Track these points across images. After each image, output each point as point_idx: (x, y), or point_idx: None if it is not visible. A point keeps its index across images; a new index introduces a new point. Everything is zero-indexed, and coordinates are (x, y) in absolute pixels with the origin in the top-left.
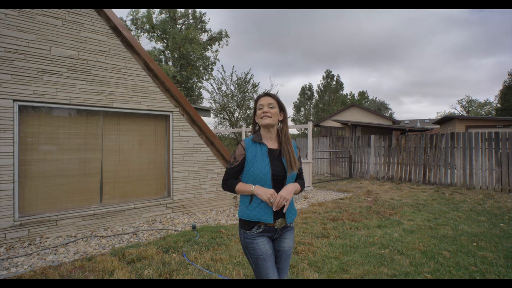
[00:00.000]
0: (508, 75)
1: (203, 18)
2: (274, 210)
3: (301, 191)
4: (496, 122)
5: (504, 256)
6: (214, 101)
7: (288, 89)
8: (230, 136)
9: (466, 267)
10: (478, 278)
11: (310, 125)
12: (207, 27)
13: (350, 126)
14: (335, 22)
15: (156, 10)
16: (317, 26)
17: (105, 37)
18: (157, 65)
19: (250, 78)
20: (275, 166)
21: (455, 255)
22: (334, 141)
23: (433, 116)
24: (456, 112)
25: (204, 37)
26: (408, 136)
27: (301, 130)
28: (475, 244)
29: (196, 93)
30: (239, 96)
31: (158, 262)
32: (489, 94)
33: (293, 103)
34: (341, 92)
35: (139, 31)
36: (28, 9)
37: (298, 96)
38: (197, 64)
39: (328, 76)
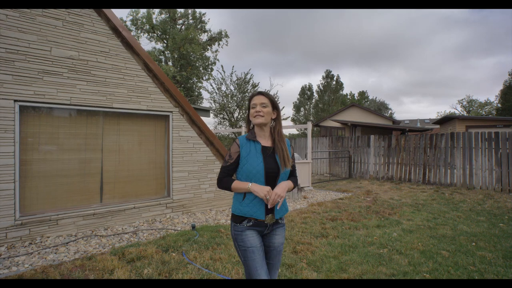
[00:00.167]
0: (509, 75)
1: (203, 18)
2: (269, 207)
3: (294, 188)
4: (496, 122)
5: (503, 256)
6: (214, 101)
7: (288, 89)
8: (230, 136)
9: (464, 266)
10: (476, 277)
11: (309, 125)
12: (207, 27)
13: (350, 126)
14: (335, 22)
15: (156, 10)
16: (317, 26)
17: (105, 38)
18: (157, 65)
19: (250, 78)
20: (268, 163)
21: (453, 255)
22: (333, 141)
23: (434, 116)
24: (456, 112)
25: (204, 37)
26: (407, 136)
27: (300, 130)
28: (474, 244)
29: (196, 93)
30: (239, 96)
31: (158, 261)
32: (490, 94)
33: (293, 103)
34: (341, 92)
35: (139, 32)
36: (29, 10)
37: (298, 96)
38: (197, 64)
39: (328, 76)
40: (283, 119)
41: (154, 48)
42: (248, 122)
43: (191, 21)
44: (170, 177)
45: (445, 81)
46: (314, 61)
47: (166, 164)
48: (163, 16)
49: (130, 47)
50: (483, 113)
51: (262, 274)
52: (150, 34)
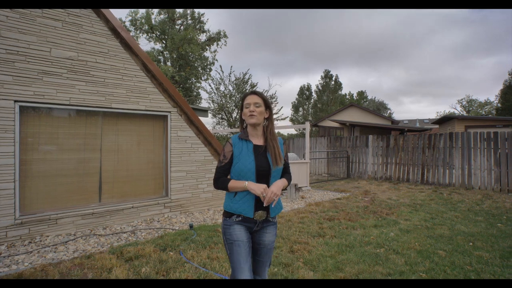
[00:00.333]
0: (509, 74)
1: (202, 19)
2: (265, 205)
3: (288, 185)
4: (496, 122)
5: (500, 256)
6: (212, 101)
7: (287, 89)
8: (228, 136)
9: (461, 266)
10: (473, 277)
11: (307, 125)
12: (206, 27)
13: (348, 126)
14: (334, 22)
15: (155, 11)
16: (316, 26)
17: (104, 39)
18: (156, 65)
19: (249, 78)
20: (259, 162)
21: (450, 255)
22: (332, 141)
23: (433, 116)
24: (456, 112)
25: (202, 37)
26: (406, 136)
27: (299, 130)
28: (471, 244)
29: (195, 93)
30: (237, 96)
31: (156, 260)
32: (490, 94)
33: (292, 103)
34: (340, 92)
35: (138, 32)
36: (29, 12)
37: (297, 96)
38: (196, 65)
39: (327, 76)
40: (282, 119)
41: (153, 48)
42: (241, 121)
43: (190, 22)
44: (168, 177)
45: (445, 81)
46: (313, 61)
47: (164, 164)
48: (162, 16)
49: (129, 47)
50: (483, 113)
51: (245, 269)
52: (149, 35)
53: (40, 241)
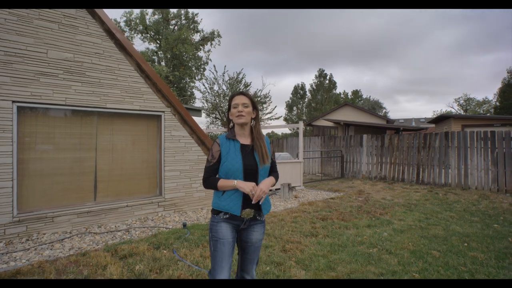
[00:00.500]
0: (507, 72)
1: (196, 19)
2: (253, 203)
3: (275, 183)
4: (493, 121)
5: (495, 257)
6: (206, 100)
7: (281, 88)
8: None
9: (455, 267)
10: (467, 278)
11: (301, 124)
12: (200, 27)
13: (342, 125)
14: (328, 20)
15: (149, 12)
16: (310, 24)
17: (99, 40)
18: (150, 66)
19: (242, 78)
20: (247, 161)
21: (444, 255)
22: (326, 141)
23: (430, 115)
24: (453, 111)
25: (196, 37)
26: (401, 136)
27: (293, 129)
28: (466, 244)
29: (189, 93)
30: None
31: (149, 258)
32: (488, 92)
33: (286, 102)
34: (334, 91)
35: (133, 32)
36: (26, 14)
37: (291, 95)
38: (190, 64)
39: (321, 75)
40: (276, 118)
41: (147, 48)
42: (229, 121)
43: (183, 22)
44: (162, 176)
45: (442, 79)
46: (307, 60)
47: (158, 163)
48: (156, 17)
49: (124, 48)
50: (481, 111)
51: (225, 268)
52: (144, 35)
53: (37, 238)
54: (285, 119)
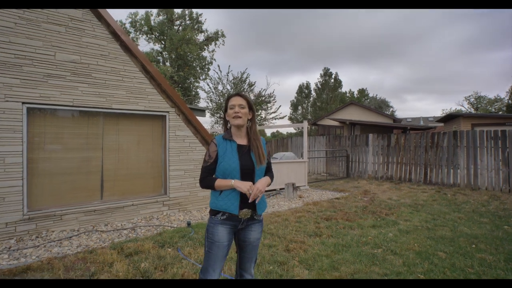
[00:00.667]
0: None
1: (200, 19)
2: (250, 201)
3: (271, 183)
4: (505, 120)
5: (504, 259)
6: (211, 100)
7: (285, 87)
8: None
9: (462, 268)
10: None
11: (305, 124)
12: (204, 27)
13: (348, 124)
14: (333, 18)
15: (154, 12)
16: (315, 23)
17: (105, 42)
18: (154, 67)
19: (246, 78)
20: (244, 161)
21: (451, 256)
22: (331, 140)
23: (439, 114)
24: (463, 109)
25: (200, 37)
26: (408, 135)
27: (298, 129)
28: (474, 246)
29: (193, 93)
30: None
31: (154, 256)
32: (500, 90)
33: (290, 101)
34: (340, 90)
35: (138, 33)
36: (35, 17)
37: (296, 95)
38: (194, 64)
39: (326, 74)
40: (280, 117)
41: (152, 49)
42: (225, 122)
43: (188, 22)
44: (167, 176)
45: (452, 77)
46: (311, 59)
47: (163, 163)
48: (160, 17)
49: (129, 50)
50: (493, 110)
51: (217, 271)
52: (149, 36)
53: (46, 236)
54: (290, 119)
